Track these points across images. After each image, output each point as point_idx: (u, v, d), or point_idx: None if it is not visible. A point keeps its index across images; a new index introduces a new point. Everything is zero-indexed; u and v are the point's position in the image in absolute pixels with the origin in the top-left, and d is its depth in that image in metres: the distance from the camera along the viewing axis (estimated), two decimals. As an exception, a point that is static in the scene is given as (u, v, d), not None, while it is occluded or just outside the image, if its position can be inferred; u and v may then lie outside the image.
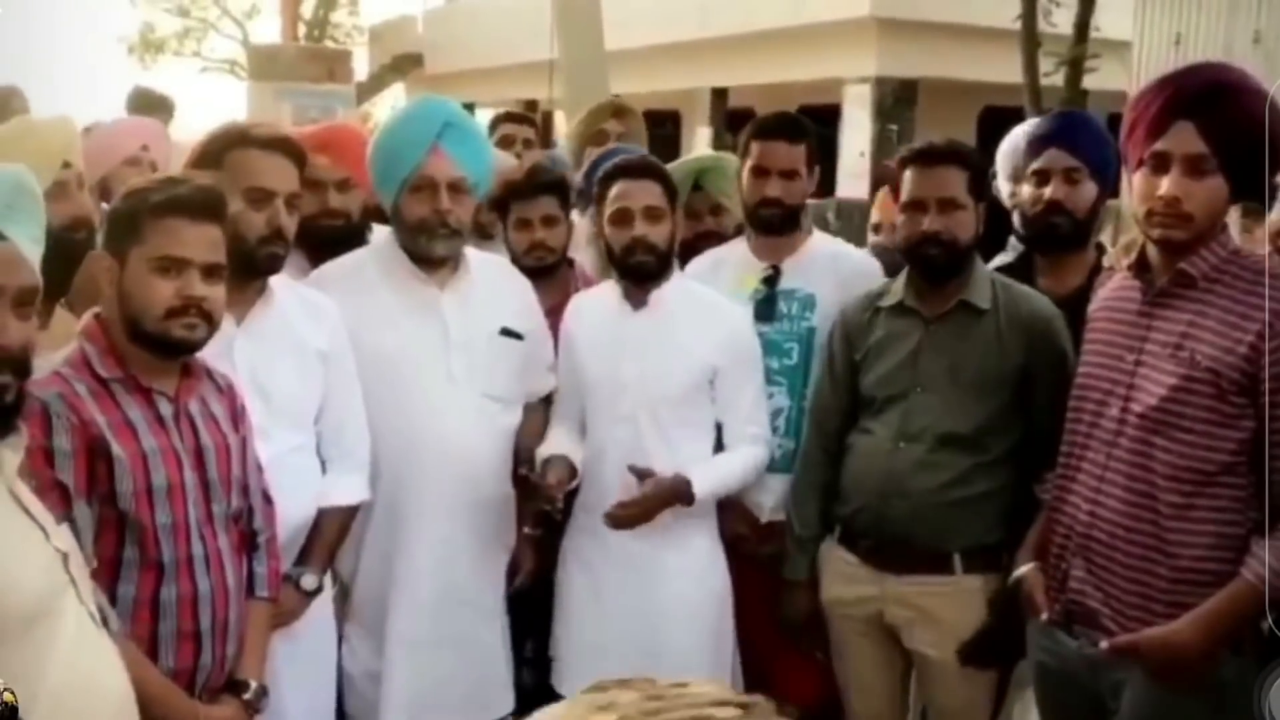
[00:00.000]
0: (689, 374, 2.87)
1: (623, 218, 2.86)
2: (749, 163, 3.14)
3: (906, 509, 2.69)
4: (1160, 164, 2.24)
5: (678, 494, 2.81)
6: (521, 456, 2.87)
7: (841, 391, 2.89)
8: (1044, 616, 2.41)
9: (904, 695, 2.94)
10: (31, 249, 1.76)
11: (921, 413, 2.72)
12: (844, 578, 2.83)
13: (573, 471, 2.84)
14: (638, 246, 2.86)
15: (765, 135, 3.14)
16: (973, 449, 2.68)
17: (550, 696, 3.01)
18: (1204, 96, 2.21)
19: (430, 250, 2.79)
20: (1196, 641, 2.17)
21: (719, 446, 2.97)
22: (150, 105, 5.42)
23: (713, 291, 3.00)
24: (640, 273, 2.89)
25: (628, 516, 2.78)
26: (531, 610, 3.12)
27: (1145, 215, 2.27)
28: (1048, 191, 2.95)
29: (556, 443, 2.92)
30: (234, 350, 2.43)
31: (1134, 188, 2.30)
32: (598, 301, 3.02)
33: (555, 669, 2.99)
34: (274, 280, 2.55)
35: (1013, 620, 2.59)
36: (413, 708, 2.79)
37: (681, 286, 2.96)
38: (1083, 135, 3.01)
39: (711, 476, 2.87)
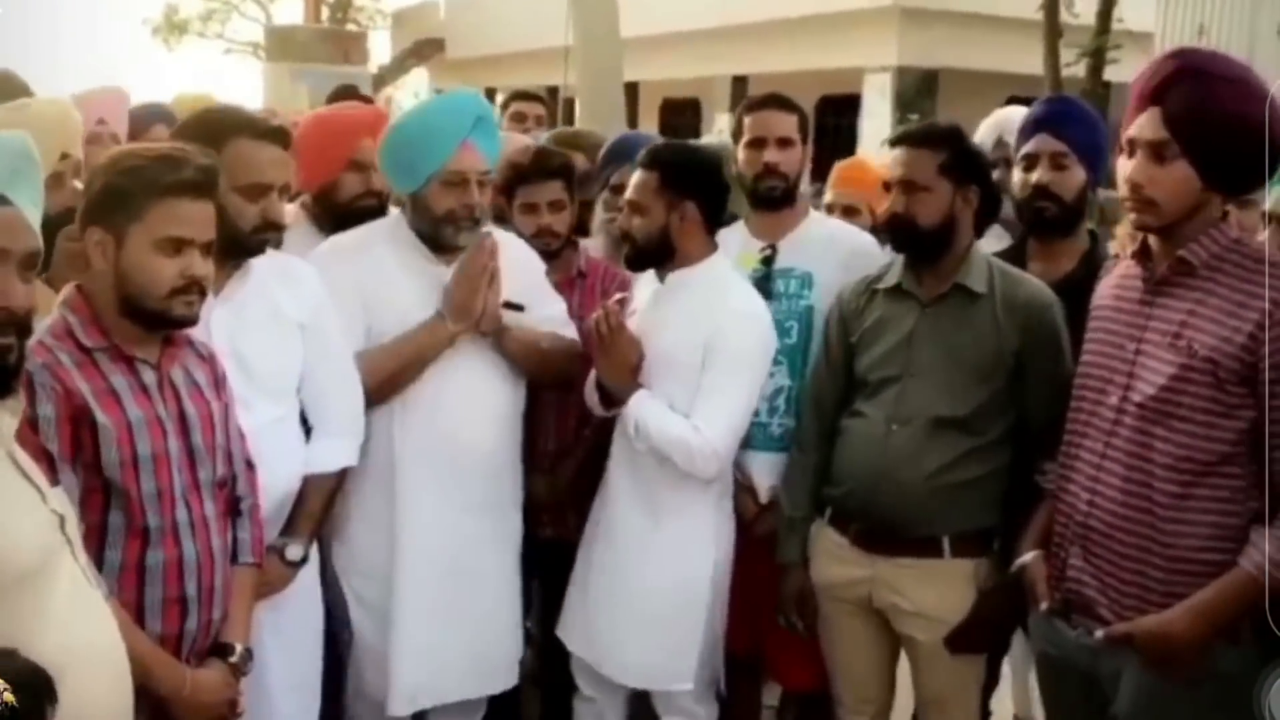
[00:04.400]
0: (668, 358, 2.80)
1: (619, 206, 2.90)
2: (744, 138, 3.14)
3: (896, 493, 2.67)
4: (1131, 150, 2.24)
5: (628, 374, 2.79)
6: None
7: (837, 374, 2.87)
8: (1043, 606, 2.40)
9: (892, 678, 2.93)
10: (33, 214, 1.78)
11: (914, 396, 2.70)
12: (834, 559, 2.82)
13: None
14: (623, 237, 2.90)
15: (757, 107, 3.19)
16: (965, 433, 2.66)
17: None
18: (1168, 82, 2.18)
19: (455, 240, 2.81)
20: (1190, 631, 2.15)
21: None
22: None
23: (742, 285, 2.90)
24: (627, 262, 2.93)
25: (602, 319, 2.77)
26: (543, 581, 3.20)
27: (1123, 200, 2.28)
28: (1034, 176, 2.97)
29: None
30: (212, 321, 2.41)
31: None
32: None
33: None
34: None
35: (1002, 607, 2.58)
36: (417, 680, 2.81)
37: (709, 271, 2.86)
38: (1070, 121, 3.02)
39: (651, 407, 2.76)
